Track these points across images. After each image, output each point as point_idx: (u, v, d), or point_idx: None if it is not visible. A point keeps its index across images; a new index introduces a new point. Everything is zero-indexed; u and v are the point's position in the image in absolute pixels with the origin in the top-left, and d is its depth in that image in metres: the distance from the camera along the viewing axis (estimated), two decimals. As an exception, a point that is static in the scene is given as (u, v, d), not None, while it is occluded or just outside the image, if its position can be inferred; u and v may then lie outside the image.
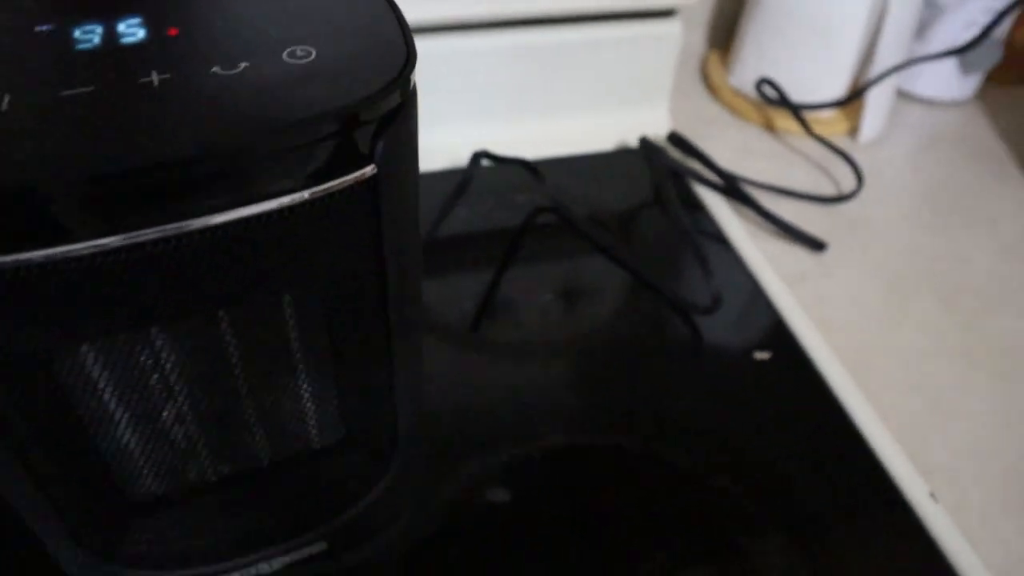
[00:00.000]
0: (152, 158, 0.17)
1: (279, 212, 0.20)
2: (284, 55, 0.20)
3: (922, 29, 0.65)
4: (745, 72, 0.64)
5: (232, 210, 0.19)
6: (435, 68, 0.52)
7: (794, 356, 0.45)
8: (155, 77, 0.19)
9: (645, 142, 0.54)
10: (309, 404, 0.29)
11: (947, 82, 0.67)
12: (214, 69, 0.19)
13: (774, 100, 0.62)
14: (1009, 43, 0.69)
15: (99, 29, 0.21)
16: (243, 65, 0.19)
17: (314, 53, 0.20)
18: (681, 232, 0.50)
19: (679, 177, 0.54)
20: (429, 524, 0.36)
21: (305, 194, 0.20)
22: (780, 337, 0.46)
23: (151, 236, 0.19)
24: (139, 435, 0.26)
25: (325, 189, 0.20)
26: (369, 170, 0.21)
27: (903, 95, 0.69)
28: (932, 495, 0.39)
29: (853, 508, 0.38)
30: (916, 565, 0.36)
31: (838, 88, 0.62)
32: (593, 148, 0.58)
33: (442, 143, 0.53)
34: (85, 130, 0.18)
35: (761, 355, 0.45)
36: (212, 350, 0.25)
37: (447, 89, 0.54)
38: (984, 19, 0.63)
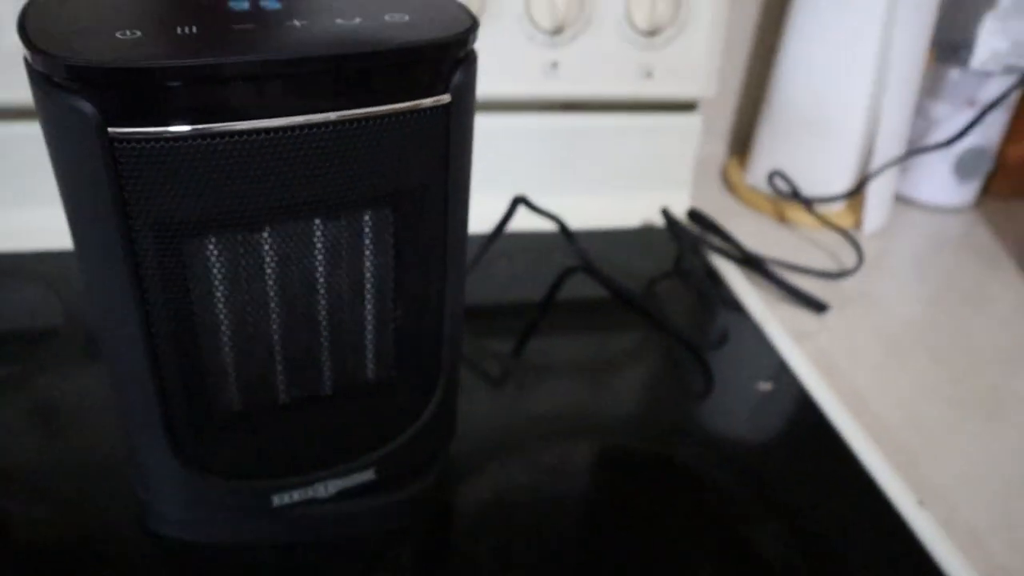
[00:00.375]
0: (302, 54, 0.25)
1: (381, 116, 0.27)
2: (386, 17, 0.28)
3: (919, 137, 0.73)
4: (759, 171, 0.72)
5: (351, 110, 0.26)
6: (478, 142, 0.61)
7: (794, 388, 0.50)
8: (296, 22, 0.27)
9: (667, 212, 0.61)
10: (370, 335, 0.35)
11: (946, 190, 0.75)
12: (337, 20, 0.27)
13: (784, 192, 0.69)
14: (1003, 158, 0.76)
15: (245, 3, 0.29)
16: (357, 20, 0.27)
17: (407, 17, 0.28)
18: (697, 286, 0.56)
19: (697, 245, 0.61)
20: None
21: (400, 105, 0.27)
22: (782, 373, 0.51)
23: (287, 124, 0.26)
24: (234, 341, 0.32)
25: (414, 104, 0.27)
26: (445, 97, 0.28)
27: (906, 201, 0.76)
28: (920, 502, 0.43)
29: (846, 516, 0.42)
30: (907, 567, 0.40)
31: (843, 184, 0.69)
32: (619, 224, 0.65)
33: (481, 212, 0.61)
34: (251, 43, 0.25)
35: (764, 386, 0.50)
36: (304, 261, 0.31)
37: (488, 161, 0.62)
38: (975, 131, 0.71)
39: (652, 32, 0.59)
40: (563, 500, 0.40)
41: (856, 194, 0.68)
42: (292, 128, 0.26)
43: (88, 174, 0.25)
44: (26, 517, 0.37)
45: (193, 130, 0.25)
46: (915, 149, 0.68)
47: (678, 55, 0.61)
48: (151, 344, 0.30)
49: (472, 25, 0.28)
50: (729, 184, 0.76)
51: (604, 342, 0.52)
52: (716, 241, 0.62)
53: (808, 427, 0.47)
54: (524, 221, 0.61)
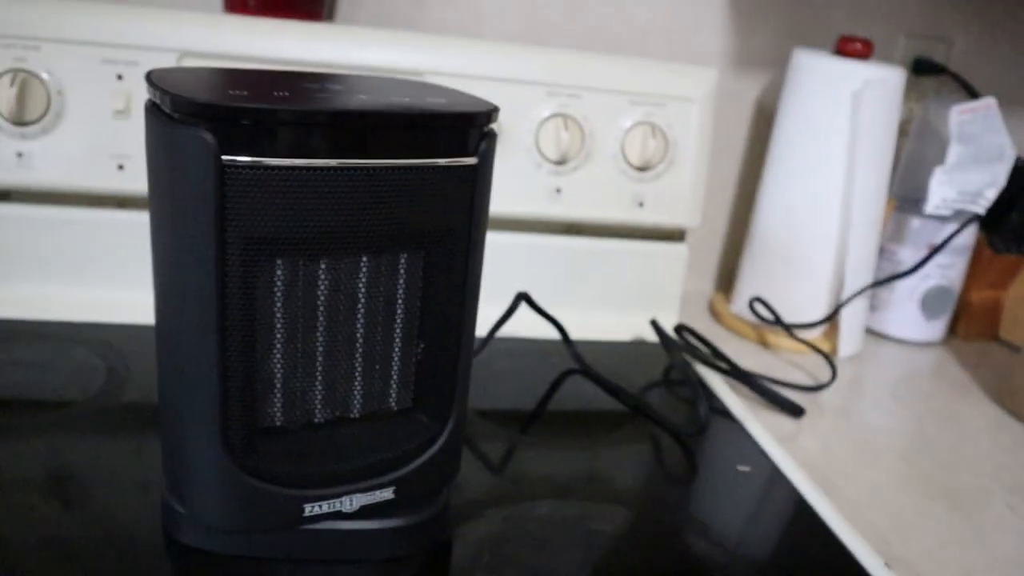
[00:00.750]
0: (373, 108, 0.33)
1: (422, 167, 0.35)
2: (428, 99, 0.36)
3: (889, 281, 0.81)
4: (742, 301, 0.80)
5: (399, 159, 0.34)
6: (489, 256, 0.68)
7: (770, 470, 0.55)
8: (362, 96, 0.35)
9: (655, 322, 0.67)
10: (396, 366, 0.41)
11: (915, 326, 0.81)
12: (392, 98, 0.35)
13: (765, 318, 0.76)
14: (967, 302, 0.84)
15: (316, 84, 0.37)
16: (407, 99, 0.35)
17: (444, 100, 0.36)
18: (683, 378, 0.62)
19: (683, 353, 0.67)
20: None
21: (439, 160, 0.35)
22: (758, 458, 0.56)
23: (355, 164, 0.34)
24: (285, 358, 0.38)
25: (448, 161, 0.36)
26: (472, 160, 0.37)
27: (879, 336, 0.83)
28: (887, 565, 0.47)
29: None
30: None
31: (818, 313, 0.76)
32: (612, 338, 0.72)
33: (490, 318, 0.67)
34: (331, 102, 0.33)
35: (743, 467, 0.55)
36: (349, 293, 0.38)
37: (497, 274, 0.69)
38: (937, 272, 0.79)
39: (644, 167, 0.68)
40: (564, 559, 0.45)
41: (830, 320, 0.75)
42: (358, 168, 0.34)
43: (200, 193, 0.32)
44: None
45: (286, 162, 0.33)
46: (880, 280, 0.76)
47: (667, 188, 0.70)
48: (223, 348, 0.35)
49: (494, 109, 0.37)
50: (715, 313, 0.83)
51: (598, 433, 0.56)
52: (702, 350, 0.68)
53: (783, 502, 0.51)
54: (526, 327, 0.68)
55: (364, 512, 0.41)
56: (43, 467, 0.46)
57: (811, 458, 0.59)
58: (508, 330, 0.68)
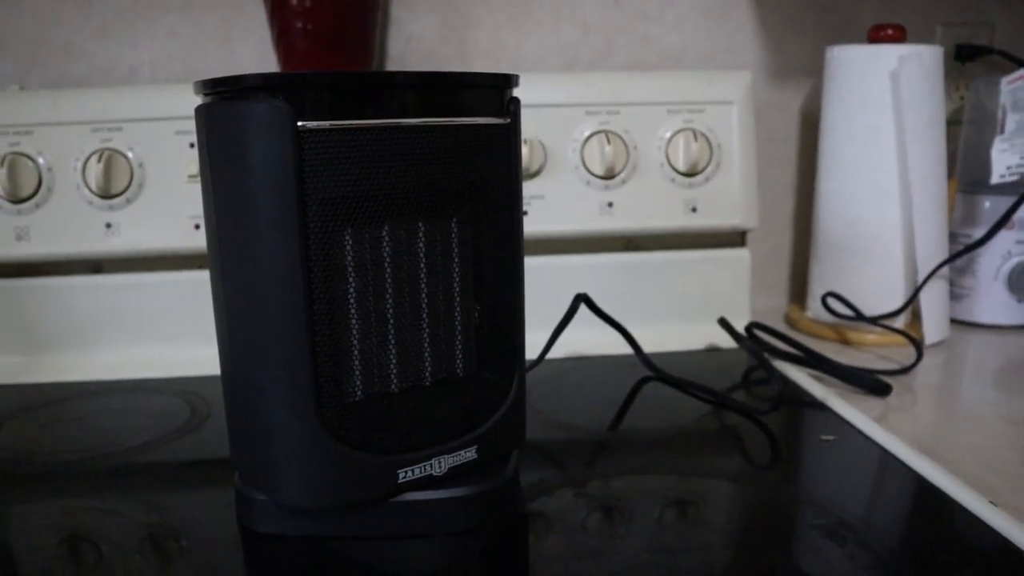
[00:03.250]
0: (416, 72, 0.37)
1: (468, 126, 0.39)
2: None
3: (968, 264, 0.78)
4: (816, 304, 0.78)
5: (450, 118, 0.38)
6: (549, 280, 0.70)
7: (856, 437, 0.52)
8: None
9: (724, 320, 0.67)
10: (459, 331, 0.42)
11: (1006, 310, 0.78)
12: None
13: (840, 314, 0.74)
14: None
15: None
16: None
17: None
18: (763, 380, 0.61)
19: (760, 348, 0.66)
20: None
21: (479, 120, 0.39)
22: (844, 428, 0.54)
23: (410, 123, 0.37)
24: (360, 331, 0.40)
25: (486, 120, 0.39)
26: (504, 120, 0.40)
27: (968, 325, 0.79)
28: (991, 503, 0.44)
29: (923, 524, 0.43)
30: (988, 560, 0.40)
31: (896, 303, 0.74)
32: (684, 348, 0.71)
33: (565, 340, 0.68)
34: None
35: (827, 437, 0.53)
36: (410, 259, 0.40)
37: (558, 297, 0.70)
38: (1019, 249, 0.76)
39: (691, 172, 0.70)
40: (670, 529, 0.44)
41: (909, 306, 0.73)
42: (413, 127, 0.38)
43: (279, 159, 0.35)
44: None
45: (353, 124, 0.36)
46: (955, 255, 0.74)
47: (717, 191, 0.71)
48: (311, 318, 0.37)
49: (513, 75, 0.41)
50: (791, 322, 0.81)
51: (682, 429, 0.56)
52: (776, 345, 0.67)
53: (875, 464, 0.49)
54: (589, 346, 0.68)
55: (453, 473, 0.42)
56: (130, 480, 0.49)
57: (902, 428, 0.56)
58: (572, 349, 0.69)
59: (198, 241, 0.66)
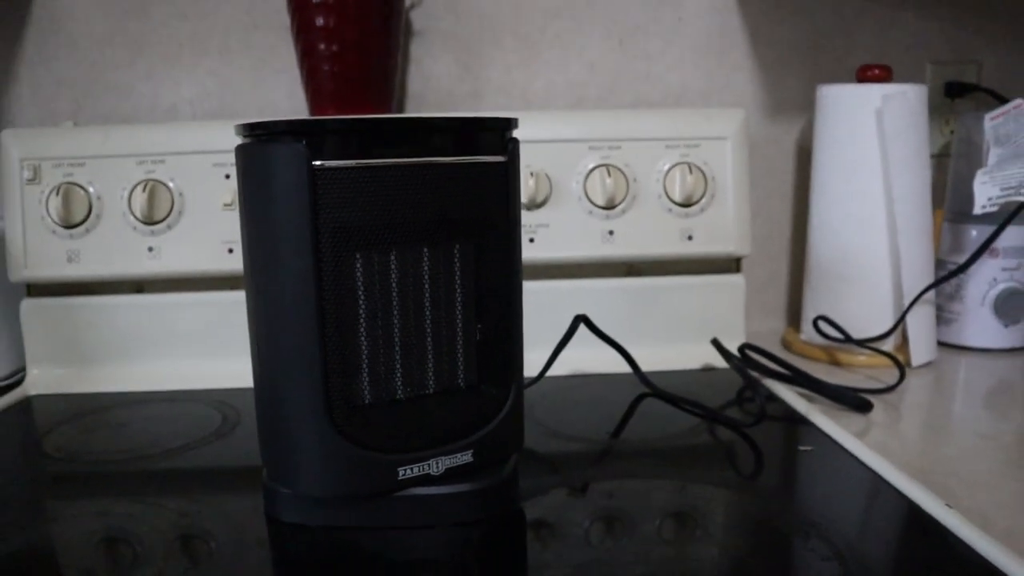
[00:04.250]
0: (420, 116, 0.42)
1: (470, 164, 0.44)
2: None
3: (957, 290, 0.82)
4: (809, 327, 0.82)
5: (451, 157, 0.44)
6: (552, 304, 0.75)
7: (832, 448, 0.57)
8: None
9: (716, 341, 0.71)
10: (460, 347, 0.47)
11: (994, 334, 0.82)
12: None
13: (830, 336, 0.78)
14: (1042, 306, 0.84)
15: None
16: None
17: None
18: (749, 385, 0.65)
19: (749, 369, 0.71)
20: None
21: (478, 158, 0.44)
22: (823, 440, 0.58)
23: (415, 162, 0.43)
24: (368, 343, 0.45)
25: (485, 159, 0.45)
26: (502, 158, 0.45)
27: (956, 348, 0.83)
28: (948, 505, 0.48)
29: (883, 526, 0.48)
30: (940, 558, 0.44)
31: (883, 326, 0.78)
32: (682, 367, 0.76)
33: (567, 358, 0.73)
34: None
35: (805, 448, 0.57)
36: (415, 281, 0.46)
37: (561, 320, 0.75)
38: (1004, 276, 0.80)
39: (687, 203, 0.75)
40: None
41: (896, 328, 0.77)
42: (417, 165, 0.44)
43: (296, 193, 0.42)
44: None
45: (362, 163, 0.42)
46: (940, 279, 0.78)
47: (712, 220, 0.75)
48: (323, 328, 0.43)
49: (512, 119, 0.46)
50: (786, 344, 0.86)
51: (675, 443, 0.60)
52: (766, 365, 0.71)
53: (852, 475, 0.54)
54: (588, 364, 0.73)
55: (450, 474, 0.47)
56: (169, 477, 0.54)
57: (879, 442, 0.60)
58: (574, 367, 0.74)
59: (231, 264, 0.72)
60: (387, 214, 0.43)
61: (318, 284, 0.43)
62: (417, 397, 0.47)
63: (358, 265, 0.44)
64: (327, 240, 0.42)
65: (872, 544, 0.44)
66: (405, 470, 0.46)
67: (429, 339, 0.47)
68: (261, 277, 0.45)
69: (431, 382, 0.48)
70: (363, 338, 0.45)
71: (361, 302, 0.45)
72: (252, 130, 0.43)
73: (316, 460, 0.45)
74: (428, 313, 0.47)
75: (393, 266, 0.45)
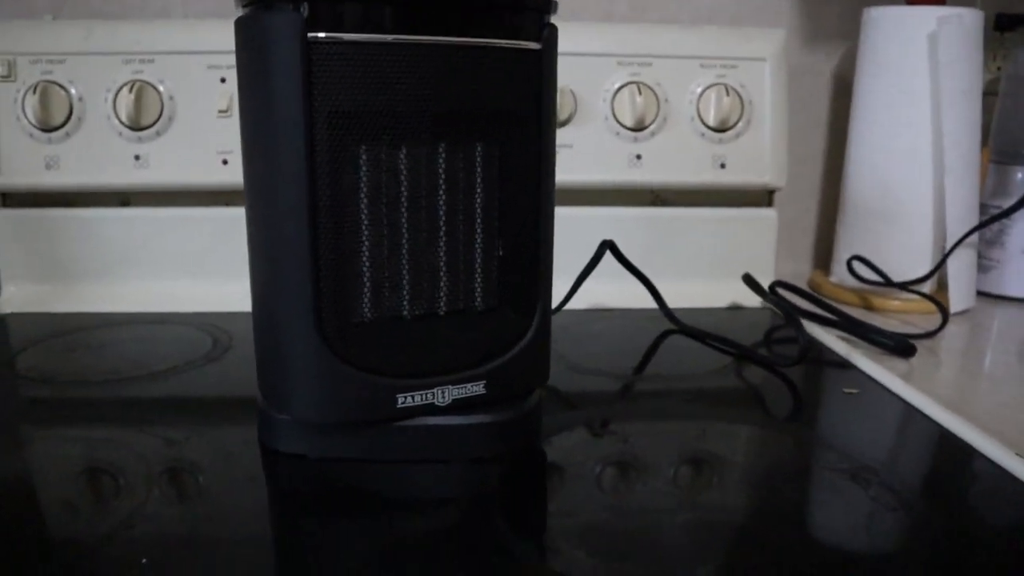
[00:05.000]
0: None
1: (491, 47, 0.38)
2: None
3: (998, 235, 0.77)
4: (841, 269, 0.77)
5: (475, 39, 0.37)
6: (575, 232, 0.69)
7: (880, 392, 0.52)
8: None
9: (748, 276, 0.66)
10: (479, 263, 0.42)
11: (1033, 283, 0.77)
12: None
13: (865, 278, 0.74)
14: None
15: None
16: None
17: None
18: (787, 339, 0.60)
19: (784, 304, 0.66)
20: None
21: (505, 42, 0.38)
22: (867, 384, 0.54)
23: (427, 40, 0.37)
24: (371, 249, 0.40)
25: (515, 44, 0.38)
26: (535, 45, 0.39)
27: (995, 297, 0.79)
28: (1019, 455, 0.43)
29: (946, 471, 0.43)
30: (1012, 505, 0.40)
31: (922, 269, 0.73)
32: (706, 305, 0.71)
33: (589, 290, 0.68)
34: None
35: (850, 390, 0.53)
36: (429, 183, 0.40)
37: (584, 248, 0.69)
38: (1046, 220, 0.75)
39: (721, 128, 0.69)
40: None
41: (936, 272, 0.72)
42: (430, 44, 0.37)
43: (288, 69, 0.35)
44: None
45: (364, 37, 0.36)
46: (985, 221, 0.73)
47: (747, 148, 0.70)
48: (314, 229, 0.37)
49: (551, 0, 0.40)
50: (814, 286, 0.81)
51: (702, 379, 0.55)
52: (803, 304, 0.66)
53: (898, 416, 0.49)
54: (613, 299, 0.68)
55: (457, 407, 0.42)
56: (159, 402, 0.49)
57: (926, 386, 0.56)
58: (595, 300, 0.69)
59: (226, 177, 0.66)
60: (395, 101, 0.37)
61: (311, 177, 0.37)
62: (425, 317, 0.41)
63: (362, 160, 0.38)
64: (322, 127, 0.36)
65: (940, 494, 0.40)
66: (405, 397, 0.40)
67: (442, 252, 0.41)
68: (253, 169, 0.39)
69: (442, 301, 0.42)
70: (364, 244, 0.39)
71: (363, 203, 0.39)
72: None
73: (305, 379, 0.40)
74: (442, 222, 0.41)
75: (403, 164, 0.39)
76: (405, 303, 0.41)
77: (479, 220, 0.41)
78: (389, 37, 0.36)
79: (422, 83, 0.37)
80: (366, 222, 0.39)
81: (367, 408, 0.40)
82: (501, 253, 0.42)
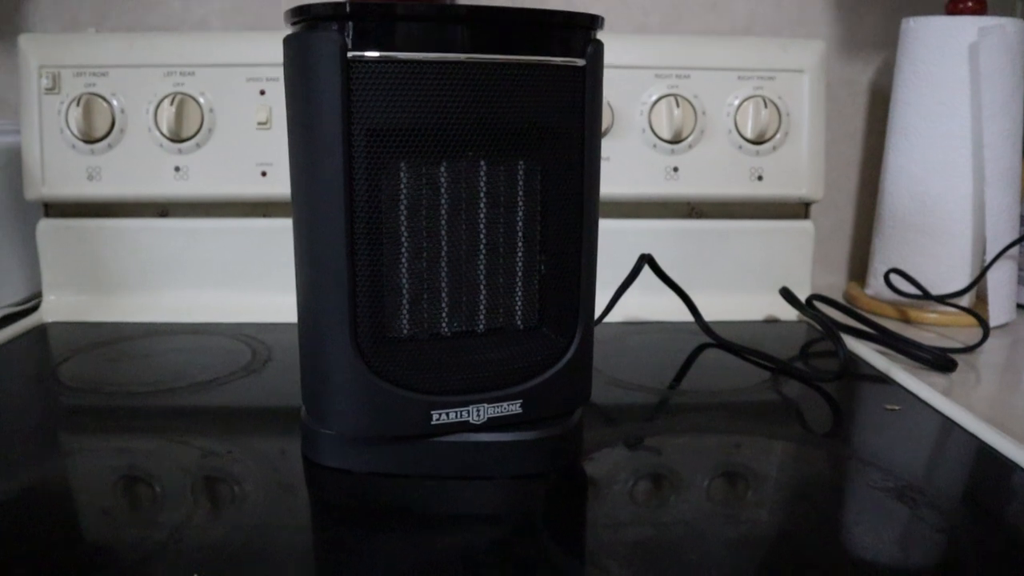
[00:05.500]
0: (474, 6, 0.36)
1: (533, 65, 0.38)
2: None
3: (1037, 249, 0.76)
4: (878, 281, 0.77)
5: (514, 56, 0.37)
6: (612, 244, 0.69)
7: (922, 409, 0.52)
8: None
9: (785, 289, 0.66)
10: (520, 281, 0.42)
11: (1075, 296, 0.76)
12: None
13: (903, 292, 0.73)
14: None
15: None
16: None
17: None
18: (824, 352, 0.60)
19: (823, 319, 0.65)
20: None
21: (549, 59, 0.38)
22: (909, 400, 0.53)
23: (465, 59, 0.37)
24: (409, 268, 0.40)
25: (557, 61, 0.38)
26: (580, 62, 0.39)
27: (1036, 309, 0.77)
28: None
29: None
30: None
31: (961, 282, 0.72)
32: (743, 318, 0.70)
33: (625, 303, 0.67)
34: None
35: (892, 407, 0.52)
36: (469, 201, 0.40)
37: (620, 260, 0.69)
38: (1091, 235, 0.74)
39: (759, 140, 0.69)
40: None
41: (975, 285, 0.71)
42: (468, 63, 0.37)
43: (329, 86, 0.36)
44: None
45: (404, 56, 0.36)
46: (1026, 236, 0.72)
47: (785, 160, 0.69)
48: (351, 242, 0.38)
49: (598, 16, 0.39)
50: (850, 299, 0.80)
51: (739, 393, 0.55)
52: (840, 317, 0.66)
53: (939, 433, 0.48)
54: (649, 312, 0.68)
55: (493, 424, 0.42)
56: (201, 413, 0.50)
57: (968, 402, 0.55)
58: (630, 313, 0.69)
59: (264, 188, 0.67)
60: (433, 118, 0.37)
61: (348, 192, 0.37)
62: (463, 334, 0.42)
63: (402, 176, 0.38)
64: (360, 143, 0.37)
65: (986, 513, 0.39)
66: (440, 414, 0.40)
67: (482, 270, 0.41)
68: (297, 181, 0.39)
69: (482, 319, 0.42)
70: (402, 260, 0.39)
71: (402, 219, 0.39)
72: (295, 15, 0.37)
73: (340, 392, 0.40)
74: (483, 239, 0.41)
75: (443, 180, 0.39)
76: (444, 320, 0.41)
77: (520, 238, 0.41)
78: (429, 56, 0.36)
79: (462, 101, 0.37)
80: (405, 238, 0.39)
81: (401, 423, 0.40)
82: (544, 271, 0.42)
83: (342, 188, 0.37)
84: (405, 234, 0.39)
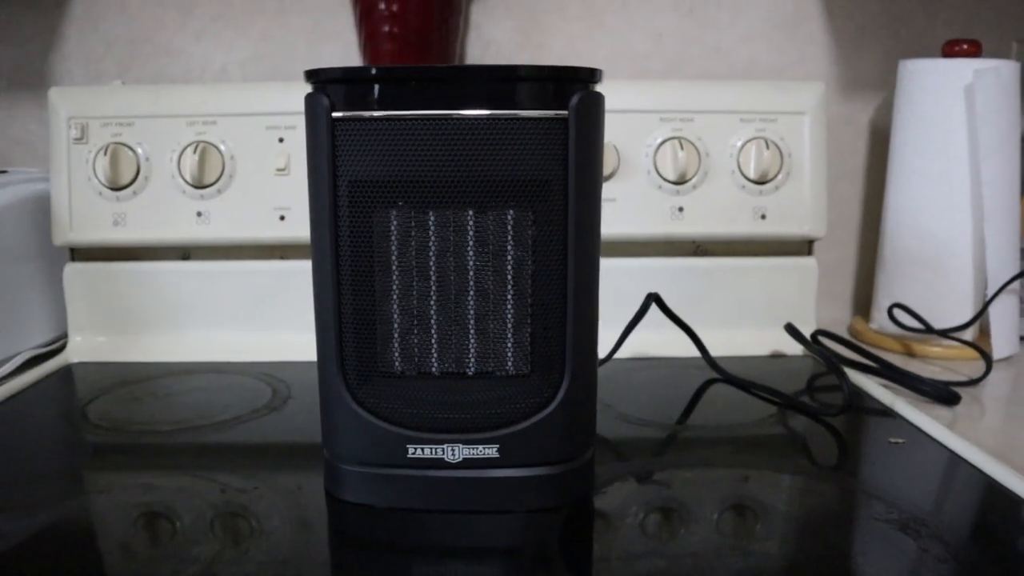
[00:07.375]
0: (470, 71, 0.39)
1: (513, 119, 0.40)
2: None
3: (1038, 283, 0.77)
4: (881, 315, 0.78)
5: (487, 110, 0.40)
6: (619, 282, 0.71)
7: (926, 442, 0.53)
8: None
9: (791, 326, 0.68)
10: (509, 328, 0.43)
11: (1078, 329, 0.77)
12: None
13: (906, 326, 0.74)
14: None
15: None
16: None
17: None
18: (829, 386, 0.61)
19: (827, 354, 0.67)
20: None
21: (524, 113, 0.40)
22: (913, 433, 0.54)
23: (439, 115, 0.39)
24: (400, 307, 0.42)
25: (530, 114, 0.40)
26: (561, 113, 0.40)
27: (1038, 343, 0.79)
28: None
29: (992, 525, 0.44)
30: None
31: (963, 316, 0.74)
32: (748, 353, 0.72)
33: (632, 339, 0.69)
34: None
35: (895, 440, 0.53)
36: (459, 246, 0.42)
37: (627, 299, 0.71)
38: (1090, 269, 0.75)
39: (761, 180, 0.71)
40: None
41: (978, 318, 0.72)
42: (442, 118, 0.40)
43: (320, 142, 0.40)
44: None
45: (381, 114, 0.39)
46: (1026, 271, 0.73)
47: (787, 199, 0.71)
48: (338, 284, 0.41)
49: (581, 68, 0.41)
50: (855, 333, 0.81)
51: (747, 429, 0.56)
52: (845, 352, 0.67)
53: (943, 465, 0.50)
54: (656, 347, 0.69)
55: (468, 463, 0.43)
56: (225, 450, 0.52)
57: (972, 435, 0.56)
58: (638, 350, 0.70)
59: (282, 232, 0.69)
60: (415, 170, 0.40)
61: (334, 238, 0.41)
62: (453, 375, 0.44)
63: (388, 224, 0.41)
64: (344, 193, 0.41)
65: (990, 545, 0.41)
66: (416, 448, 0.43)
67: (471, 314, 0.43)
68: (311, 233, 0.43)
69: (471, 362, 0.43)
70: (393, 300, 0.43)
71: (393, 262, 0.42)
72: (308, 78, 0.41)
73: (335, 420, 0.44)
74: (471, 284, 0.43)
75: (432, 229, 0.42)
76: (434, 360, 0.43)
77: (510, 286, 0.43)
78: (406, 113, 0.39)
79: (441, 154, 0.40)
80: (395, 280, 0.42)
81: (380, 454, 0.43)
82: (532, 322, 0.43)
83: (328, 234, 0.41)
84: (395, 276, 0.42)
